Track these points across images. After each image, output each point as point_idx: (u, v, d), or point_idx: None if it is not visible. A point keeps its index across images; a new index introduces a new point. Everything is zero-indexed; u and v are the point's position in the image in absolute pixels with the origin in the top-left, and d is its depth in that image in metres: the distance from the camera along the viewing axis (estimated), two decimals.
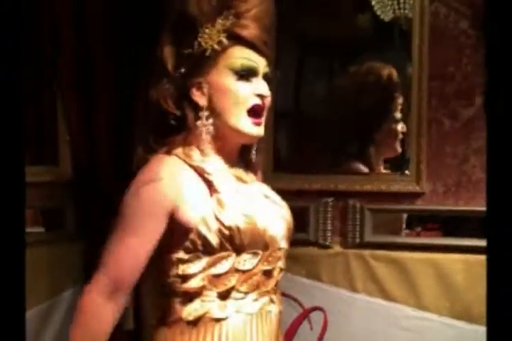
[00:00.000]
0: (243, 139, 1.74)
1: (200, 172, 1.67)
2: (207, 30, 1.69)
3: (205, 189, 1.66)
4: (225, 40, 1.69)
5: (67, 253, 2.91)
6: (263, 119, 1.72)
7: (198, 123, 1.71)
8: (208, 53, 1.69)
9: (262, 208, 1.71)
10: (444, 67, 2.84)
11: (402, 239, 2.88)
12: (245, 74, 1.69)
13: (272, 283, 1.73)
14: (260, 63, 1.71)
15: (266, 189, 1.82)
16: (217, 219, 1.63)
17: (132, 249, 1.63)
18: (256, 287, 1.70)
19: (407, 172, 2.88)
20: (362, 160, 2.99)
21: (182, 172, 1.66)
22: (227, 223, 1.63)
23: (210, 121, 1.70)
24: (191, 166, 1.68)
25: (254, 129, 1.71)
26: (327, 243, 2.90)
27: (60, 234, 2.96)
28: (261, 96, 1.70)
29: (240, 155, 1.81)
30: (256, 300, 1.71)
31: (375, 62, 3.03)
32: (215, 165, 1.71)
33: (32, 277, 2.59)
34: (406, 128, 2.90)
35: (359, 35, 3.16)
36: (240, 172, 1.76)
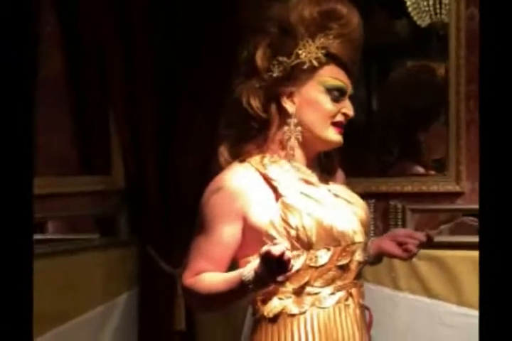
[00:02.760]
0: (326, 146, 1.86)
1: (267, 179, 1.78)
2: (307, 44, 1.78)
3: (271, 194, 1.77)
4: (323, 58, 1.78)
5: (121, 259, 3.03)
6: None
7: (286, 129, 1.81)
8: (305, 67, 1.78)
9: (329, 207, 1.79)
10: None
11: (444, 237, 2.90)
12: (336, 94, 1.81)
13: (349, 276, 1.81)
14: (349, 84, 1.83)
15: (339, 189, 1.90)
16: (284, 220, 1.73)
17: (210, 250, 1.78)
18: (332, 281, 1.77)
19: (446, 172, 2.94)
20: (416, 162, 3.06)
21: (250, 179, 1.78)
22: (293, 223, 1.72)
23: (299, 128, 1.81)
24: (261, 173, 1.79)
25: (338, 138, 1.82)
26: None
27: (114, 240, 3.08)
28: (345, 115, 1.82)
29: (318, 160, 1.91)
30: (333, 294, 1.78)
31: (430, 61, 3.09)
32: (284, 170, 1.81)
33: (88, 281, 2.74)
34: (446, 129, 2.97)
35: (397, 40, 3.22)
36: (309, 175, 1.84)
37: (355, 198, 1.92)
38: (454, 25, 2.92)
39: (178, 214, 3.02)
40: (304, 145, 1.84)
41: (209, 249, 1.78)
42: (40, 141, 2.63)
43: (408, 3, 3.13)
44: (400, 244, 1.94)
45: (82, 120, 3.13)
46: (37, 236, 2.76)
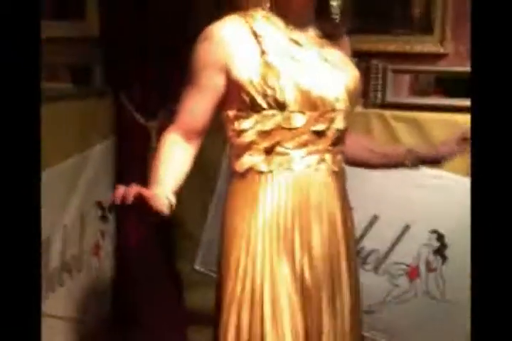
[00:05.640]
0: None
1: (255, 34, 1.78)
2: None
3: (256, 50, 1.76)
4: None
5: (96, 109, 2.97)
6: None
7: None
8: None
9: (312, 70, 1.78)
10: None
11: (424, 100, 2.91)
12: None
13: (325, 142, 1.82)
14: None
15: (333, 54, 1.86)
16: (262, 78, 1.73)
17: (193, 99, 1.83)
18: (304, 145, 1.80)
19: (431, 33, 2.86)
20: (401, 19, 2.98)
21: (237, 32, 1.77)
22: (270, 83, 1.72)
23: None
24: (250, 27, 1.78)
25: None
26: None
27: (88, 89, 3.00)
28: None
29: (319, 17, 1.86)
30: (303, 157, 1.81)
31: None
32: (274, 28, 1.79)
33: (62, 131, 2.70)
34: None
35: None
36: (299, 35, 1.82)
37: (348, 66, 1.89)
38: None
39: (155, 65, 2.95)
40: None
41: (192, 99, 1.82)
42: None
43: None
44: None
45: None
46: None
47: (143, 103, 3.00)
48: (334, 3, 1.82)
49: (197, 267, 3.10)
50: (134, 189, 1.64)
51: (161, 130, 1.95)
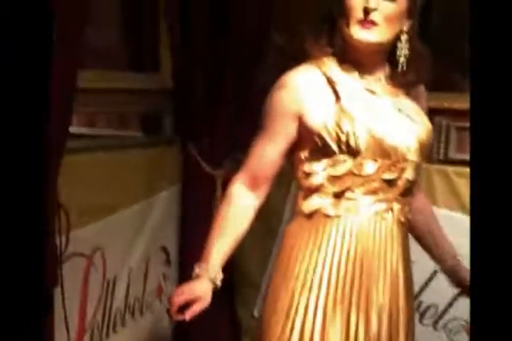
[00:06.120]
0: (359, 46, 1.81)
1: (331, 82, 1.82)
2: None
3: (330, 97, 1.81)
4: None
5: (164, 157, 3.06)
6: (377, 24, 1.77)
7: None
8: None
9: (385, 119, 1.81)
10: None
11: None
12: None
13: (394, 191, 1.83)
14: None
15: (406, 104, 1.88)
16: (337, 124, 1.76)
17: (263, 145, 1.86)
18: (373, 192, 1.81)
19: None
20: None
21: (311, 80, 1.82)
22: (344, 129, 1.76)
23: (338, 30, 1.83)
24: (325, 75, 1.82)
25: (361, 34, 1.78)
26: None
27: (157, 138, 3.12)
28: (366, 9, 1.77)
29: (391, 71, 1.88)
30: (371, 204, 1.82)
31: None
32: (347, 75, 1.83)
33: (130, 178, 2.79)
34: None
35: None
36: (372, 83, 1.85)
37: (422, 117, 1.89)
38: None
39: (223, 116, 3.04)
40: (351, 49, 1.82)
41: (262, 145, 1.85)
42: (90, 35, 2.62)
43: None
44: None
45: (133, 15, 3.12)
46: (84, 131, 2.81)
47: (210, 152, 3.07)
48: (400, 53, 1.83)
49: (256, 314, 3.12)
50: (181, 298, 1.81)
51: (227, 179, 1.98)
